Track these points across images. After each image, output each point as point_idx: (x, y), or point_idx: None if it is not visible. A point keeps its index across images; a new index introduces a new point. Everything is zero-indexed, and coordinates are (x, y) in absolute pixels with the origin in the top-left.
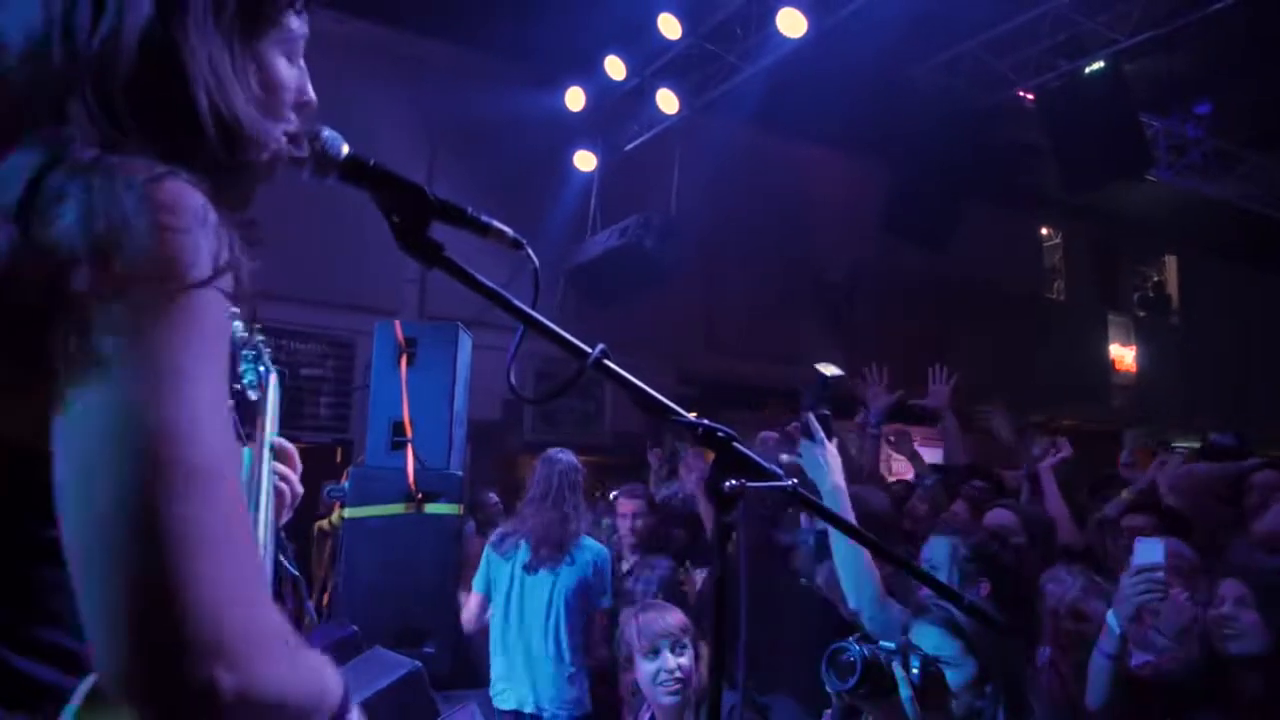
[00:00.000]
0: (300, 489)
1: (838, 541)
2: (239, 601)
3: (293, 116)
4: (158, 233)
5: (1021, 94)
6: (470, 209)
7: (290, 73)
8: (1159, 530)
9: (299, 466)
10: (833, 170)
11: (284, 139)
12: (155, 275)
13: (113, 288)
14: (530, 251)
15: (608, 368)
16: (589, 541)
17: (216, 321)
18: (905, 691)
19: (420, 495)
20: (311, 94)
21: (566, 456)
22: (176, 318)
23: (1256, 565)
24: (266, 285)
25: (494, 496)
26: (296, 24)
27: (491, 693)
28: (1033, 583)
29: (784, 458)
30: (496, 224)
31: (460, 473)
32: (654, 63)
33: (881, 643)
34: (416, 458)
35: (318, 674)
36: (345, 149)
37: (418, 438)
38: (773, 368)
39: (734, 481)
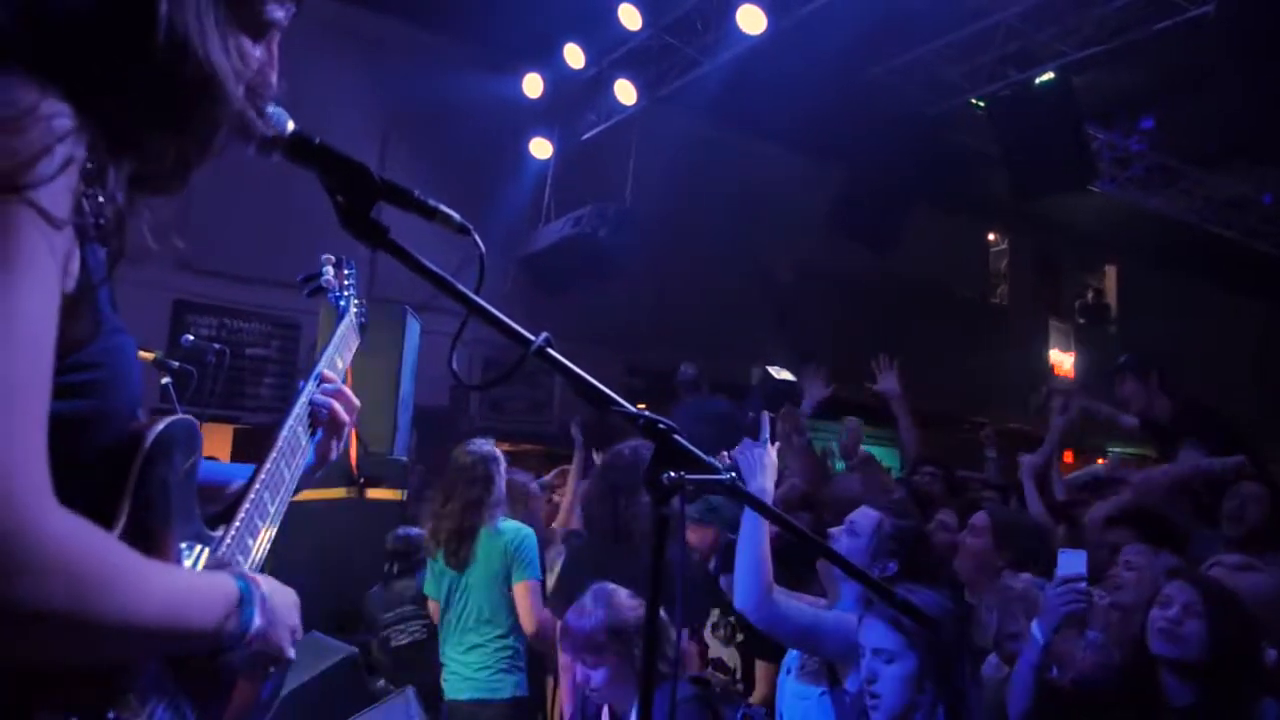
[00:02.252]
0: (345, 418)
1: (744, 539)
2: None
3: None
4: None
5: (973, 101)
6: (417, 191)
7: (254, 53)
8: (1143, 539)
9: (354, 404)
10: (786, 168)
11: (248, 104)
12: None
13: None
14: (477, 237)
15: (550, 356)
16: (503, 525)
17: (8, 225)
18: None
19: (363, 480)
20: (273, 79)
21: (474, 449)
22: None
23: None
24: (213, 264)
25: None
26: (278, 12)
27: (442, 683)
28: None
29: (725, 456)
30: (443, 208)
31: (405, 458)
32: (613, 53)
33: None
34: (360, 442)
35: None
36: (290, 125)
37: (362, 422)
38: (721, 362)
39: (672, 474)
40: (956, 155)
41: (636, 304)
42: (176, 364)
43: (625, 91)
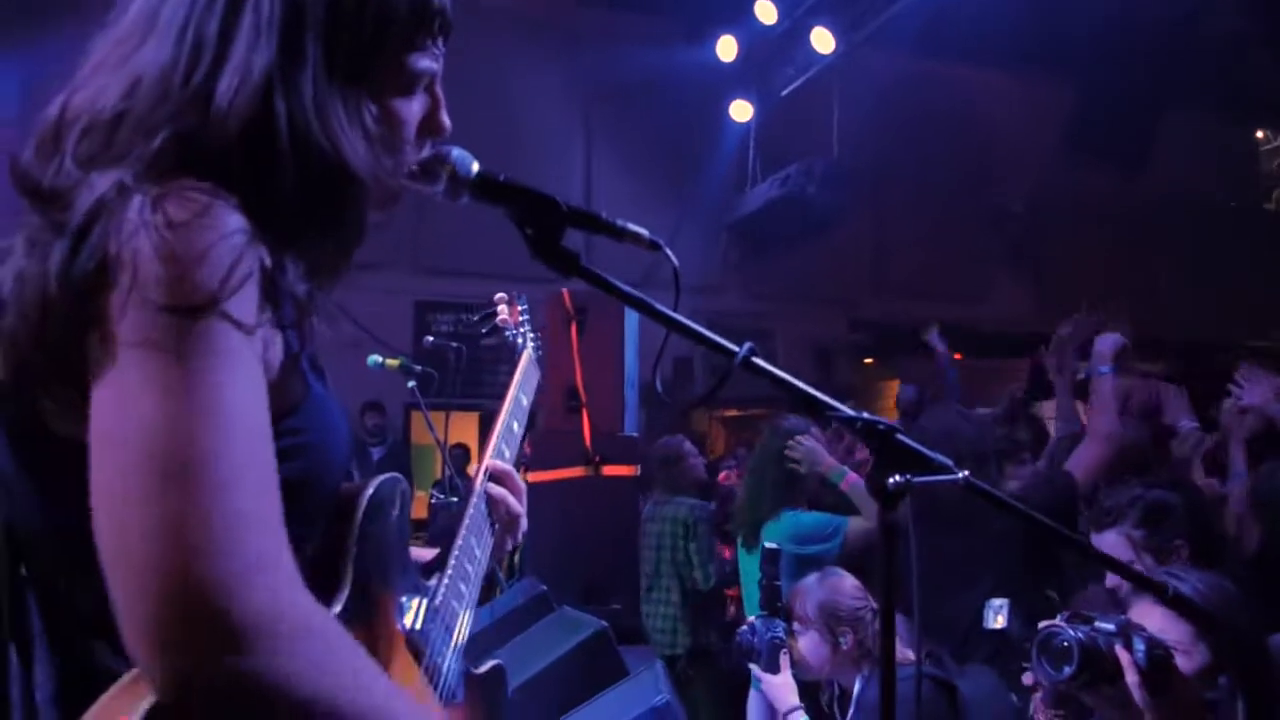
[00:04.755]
0: (518, 510)
1: None
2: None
3: (416, 147)
4: (159, 254)
5: None
6: (604, 214)
7: (410, 108)
8: None
9: (519, 488)
10: (1008, 91)
11: (403, 171)
12: (153, 292)
13: (117, 303)
14: (669, 252)
15: (756, 365)
16: (789, 515)
17: (209, 339)
18: (1131, 677)
19: (598, 458)
20: (444, 120)
21: (785, 424)
22: (166, 336)
23: None
24: (448, 263)
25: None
26: (423, 62)
27: None
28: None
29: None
30: (632, 227)
31: (635, 434)
32: (806, 1)
33: (1098, 622)
34: (592, 422)
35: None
36: (475, 167)
37: (592, 402)
38: (951, 308)
39: (898, 477)
40: (1209, 45)
41: (855, 257)
42: (419, 368)
43: (822, 39)
